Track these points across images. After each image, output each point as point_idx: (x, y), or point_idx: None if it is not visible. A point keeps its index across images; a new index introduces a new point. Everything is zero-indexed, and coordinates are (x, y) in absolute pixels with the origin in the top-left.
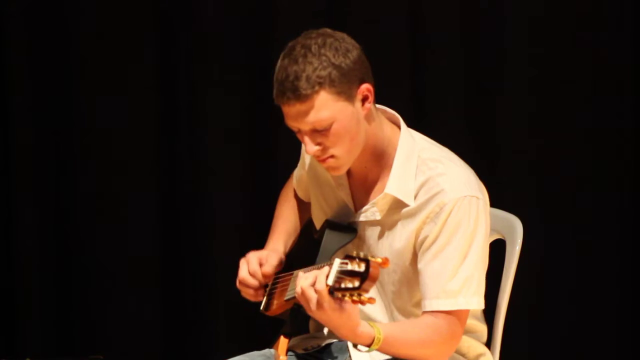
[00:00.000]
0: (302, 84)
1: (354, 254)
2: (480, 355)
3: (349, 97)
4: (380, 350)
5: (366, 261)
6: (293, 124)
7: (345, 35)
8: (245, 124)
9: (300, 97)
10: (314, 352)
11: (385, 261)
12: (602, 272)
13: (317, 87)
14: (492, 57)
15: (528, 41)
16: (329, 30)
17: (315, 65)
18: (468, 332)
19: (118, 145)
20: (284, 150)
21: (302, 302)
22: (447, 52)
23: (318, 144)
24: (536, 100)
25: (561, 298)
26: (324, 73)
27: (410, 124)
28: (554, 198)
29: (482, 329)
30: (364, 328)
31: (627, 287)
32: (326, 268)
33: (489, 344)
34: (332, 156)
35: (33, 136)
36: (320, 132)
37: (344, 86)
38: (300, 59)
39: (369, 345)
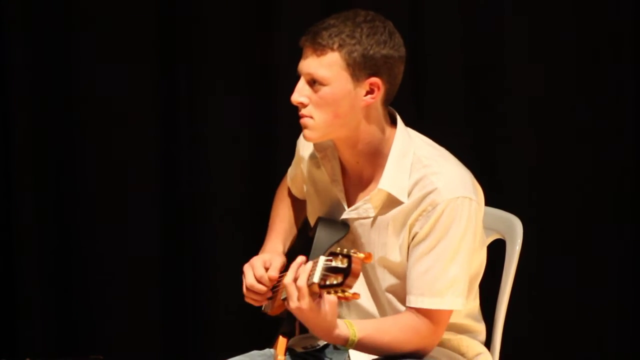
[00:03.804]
0: (325, 35)
1: (338, 250)
2: (478, 354)
3: (355, 78)
4: (356, 349)
5: (348, 257)
6: (300, 66)
7: (398, 37)
8: (245, 123)
9: (315, 43)
10: (313, 352)
11: (369, 256)
12: (602, 272)
13: (334, 46)
14: (492, 58)
15: (528, 41)
16: (390, 23)
17: (348, 32)
18: (466, 331)
19: (118, 145)
20: (284, 150)
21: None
22: (447, 52)
23: (305, 96)
24: (536, 100)
25: (561, 298)
26: (348, 41)
27: (409, 124)
28: (554, 198)
29: (481, 328)
30: (340, 330)
31: (627, 287)
32: (309, 264)
33: (488, 343)
34: (310, 116)
35: (33, 136)
36: (313, 88)
37: (357, 65)
38: (342, 19)
39: (344, 345)
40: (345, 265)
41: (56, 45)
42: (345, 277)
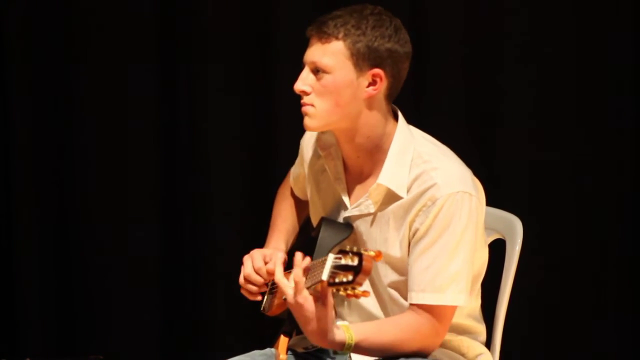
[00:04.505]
0: (331, 24)
1: (348, 248)
2: (479, 355)
3: (357, 68)
4: (355, 353)
5: (359, 255)
6: (305, 55)
7: (404, 33)
8: (245, 123)
9: (321, 32)
10: (314, 352)
11: (379, 254)
12: (603, 271)
13: (339, 35)
14: (492, 56)
15: (529, 40)
16: (397, 20)
17: (353, 22)
18: (467, 332)
19: (118, 145)
20: (284, 149)
21: (283, 294)
22: (447, 51)
23: (308, 85)
24: (536, 99)
25: (561, 298)
26: (353, 31)
27: (409, 123)
28: (554, 198)
29: (481, 329)
30: (335, 334)
31: (627, 287)
32: (307, 259)
33: (488, 343)
34: (312, 105)
35: (33, 136)
36: (316, 76)
37: (360, 56)
38: (349, 11)
39: (340, 350)
40: (356, 263)
41: (56, 45)
42: (356, 275)
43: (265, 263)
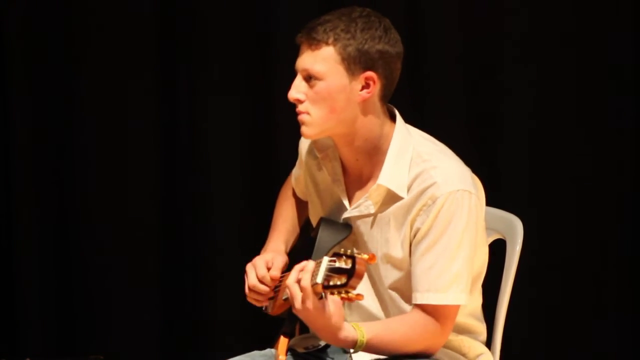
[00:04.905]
0: (320, 30)
1: (342, 251)
2: (479, 354)
3: (350, 72)
4: (365, 351)
5: (352, 258)
6: (297, 63)
7: (395, 33)
8: (245, 123)
9: (310, 38)
10: (315, 352)
11: (372, 257)
12: (603, 272)
13: (329, 40)
14: (491, 56)
15: (529, 40)
16: (386, 20)
17: (343, 27)
18: (467, 332)
19: (118, 145)
20: (284, 150)
21: (290, 299)
22: (446, 51)
23: (302, 93)
24: (536, 99)
25: (561, 298)
26: (343, 35)
27: (409, 123)
28: (555, 198)
29: (482, 329)
30: (347, 332)
31: (627, 287)
32: (312, 264)
33: (489, 343)
34: (307, 112)
35: (33, 136)
36: (309, 83)
37: (351, 59)
38: (337, 14)
39: (352, 348)
40: (349, 266)
41: (56, 45)
42: (349, 278)
43: (268, 269)
